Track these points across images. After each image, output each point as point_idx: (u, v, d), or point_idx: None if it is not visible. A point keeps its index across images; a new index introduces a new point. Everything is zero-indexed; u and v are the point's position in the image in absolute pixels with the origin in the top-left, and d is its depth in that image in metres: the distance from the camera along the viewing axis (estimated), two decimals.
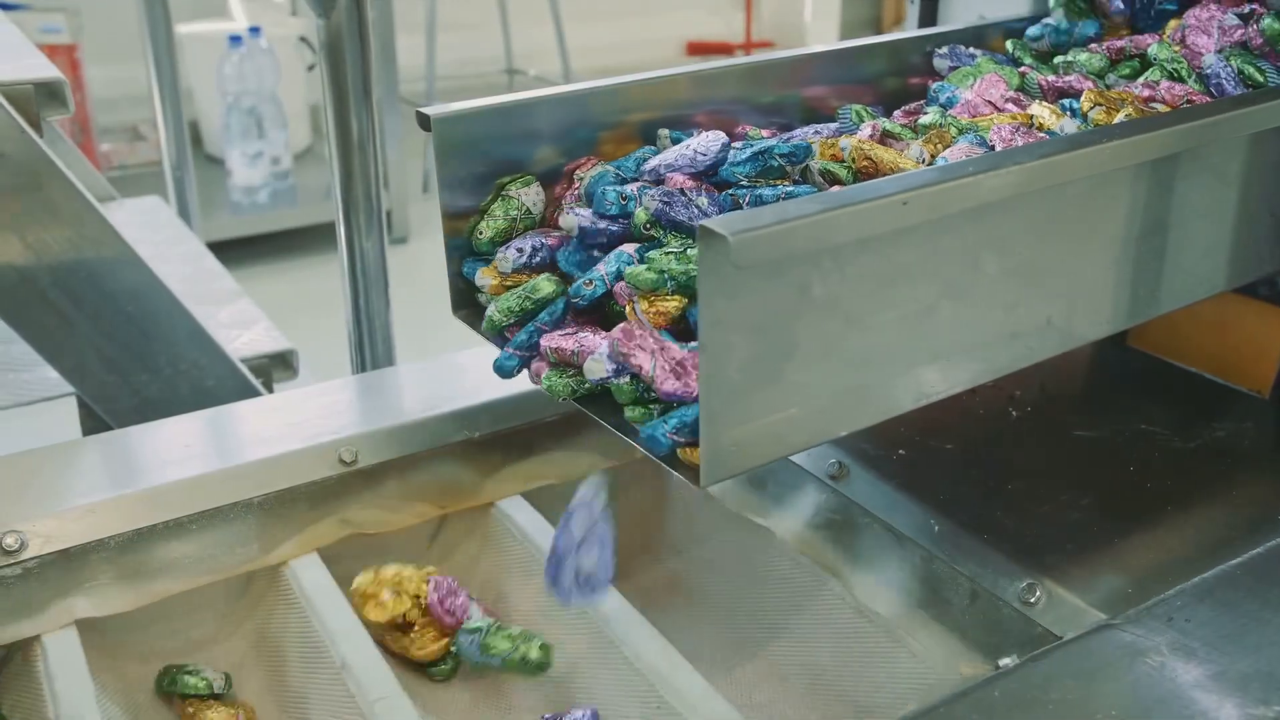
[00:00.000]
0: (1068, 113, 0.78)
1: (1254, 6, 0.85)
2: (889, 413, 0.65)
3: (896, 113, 0.86)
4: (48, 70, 1.02)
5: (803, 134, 0.81)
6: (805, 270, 0.57)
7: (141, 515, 0.78)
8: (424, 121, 0.75)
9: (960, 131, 0.76)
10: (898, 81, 0.92)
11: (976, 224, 0.63)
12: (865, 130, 0.76)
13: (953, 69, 0.91)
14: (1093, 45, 0.90)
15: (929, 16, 1.20)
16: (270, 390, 1.21)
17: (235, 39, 2.80)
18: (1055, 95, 0.84)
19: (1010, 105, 0.82)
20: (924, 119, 0.79)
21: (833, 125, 0.83)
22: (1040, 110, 0.78)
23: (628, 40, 4.45)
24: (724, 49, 4.53)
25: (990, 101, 0.82)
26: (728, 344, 0.56)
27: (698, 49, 4.55)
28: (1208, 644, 0.62)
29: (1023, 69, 0.89)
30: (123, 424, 1.06)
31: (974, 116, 0.80)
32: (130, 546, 0.77)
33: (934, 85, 0.88)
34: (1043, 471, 0.82)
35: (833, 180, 0.70)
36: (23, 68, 1.02)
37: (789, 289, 0.57)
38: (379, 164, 1.09)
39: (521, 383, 0.92)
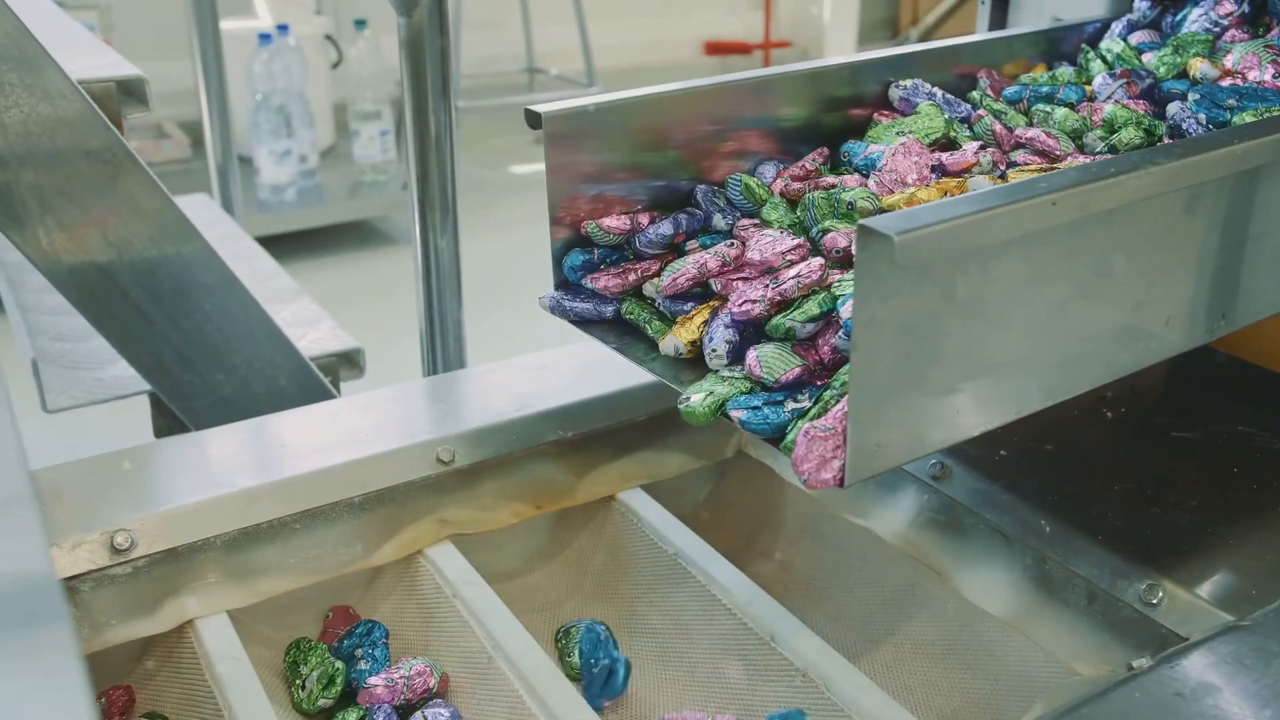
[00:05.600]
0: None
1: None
2: (1020, 412, 0.65)
3: (793, 170, 0.81)
4: (128, 68, 1.02)
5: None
6: (953, 271, 0.57)
7: (247, 514, 0.77)
8: (534, 119, 0.75)
9: (829, 211, 0.73)
10: (839, 116, 0.87)
11: (1108, 225, 0.63)
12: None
13: (904, 101, 0.87)
14: (1081, 106, 0.87)
15: (999, 17, 1.20)
16: (338, 389, 1.21)
17: (265, 36, 2.79)
18: (1012, 146, 0.82)
19: (962, 160, 0.78)
20: (809, 193, 0.75)
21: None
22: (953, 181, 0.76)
23: (645, 40, 4.45)
24: (742, 49, 4.53)
25: (900, 179, 0.77)
26: (878, 345, 0.56)
27: (716, 49, 4.55)
28: None
29: (979, 112, 0.86)
30: (198, 423, 1.06)
31: (885, 192, 0.76)
32: (236, 546, 0.77)
33: (844, 146, 0.84)
34: (1147, 472, 0.81)
35: None
36: (103, 65, 1.02)
37: (937, 289, 0.57)
38: (454, 162, 1.09)
39: (612, 382, 0.93)
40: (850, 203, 0.72)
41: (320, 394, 1.11)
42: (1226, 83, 0.86)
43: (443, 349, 1.14)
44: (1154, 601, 0.69)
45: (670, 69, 4.39)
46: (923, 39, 4.65)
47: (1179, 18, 0.97)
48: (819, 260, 0.68)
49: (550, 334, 1.48)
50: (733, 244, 0.73)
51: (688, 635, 0.82)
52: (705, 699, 0.79)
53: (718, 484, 1.00)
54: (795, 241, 0.71)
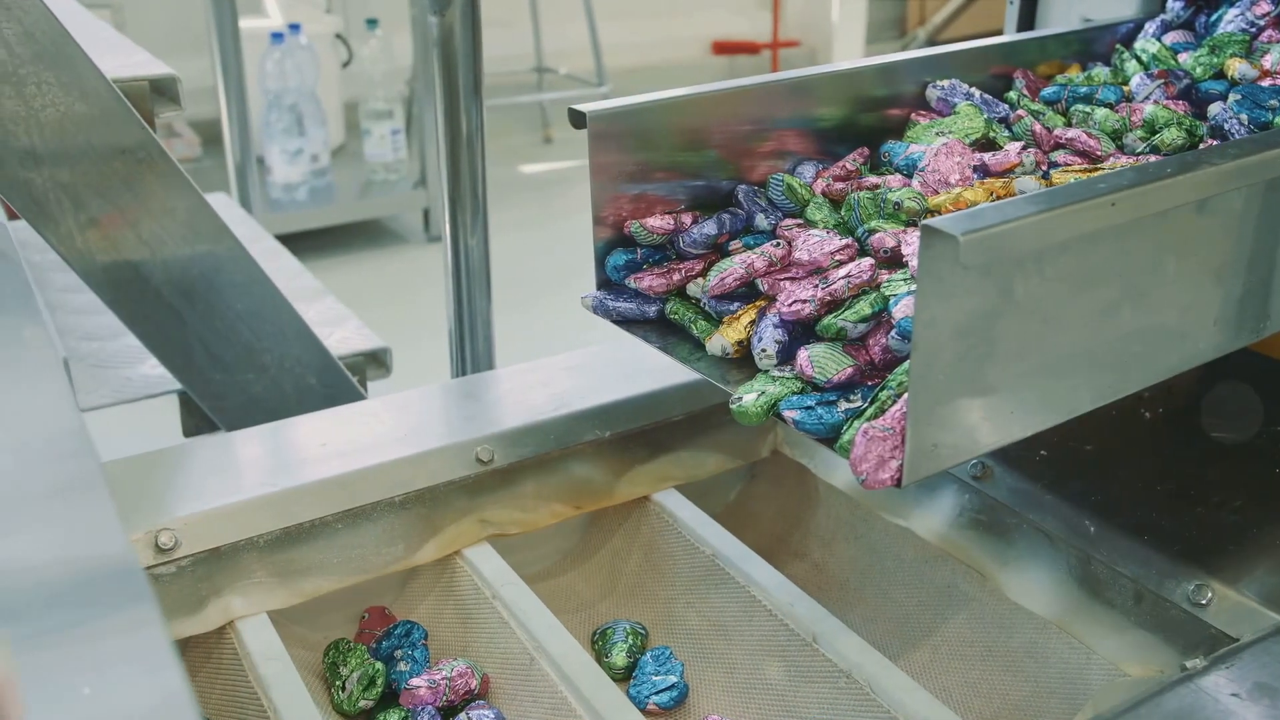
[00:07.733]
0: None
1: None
2: (1072, 413, 0.64)
3: (834, 170, 0.81)
4: (160, 67, 1.02)
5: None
6: (1013, 271, 0.57)
7: (289, 514, 0.77)
8: (577, 119, 0.75)
9: (874, 211, 0.73)
10: (876, 117, 0.87)
11: (1161, 226, 0.63)
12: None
13: (942, 101, 0.87)
14: (1120, 107, 0.86)
15: (1028, 18, 1.20)
16: (365, 389, 1.21)
17: (277, 35, 2.79)
18: (1052, 146, 0.82)
19: (1006, 160, 0.77)
20: (853, 193, 0.75)
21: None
22: (996, 181, 0.76)
23: (651, 39, 4.44)
24: (750, 48, 4.52)
25: (944, 179, 0.76)
26: (938, 345, 0.56)
27: (723, 48, 4.55)
28: None
29: (1018, 112, 0.86)
30: (228, 422, 1.06)
31: (930, 192, 0.76)
32: (279, 545, 0.77)
33: (884, 146, 0.83)
34: (1189, 473, 0.81)
35: None
36: (135, 64, 1.02)
37: (996, 290, 0.57)
38: (484, 161, 1.09)
39: (647, 382, 0.93)
40: (897, 203, 0.72)
41: (349, 393, 1.11)
42: (1266, 83, 0.86)
43: (472, 348, 1.14)
44: (1203, 602, 0.69)
45: (677, 68, 4.39)
46: (930, 39, 4.64)
47: (1214, 18, 0.97)
48: (869, 260, 0.68)
49: (568, 335, 1.47)
50: (779, 244, 0.73)
51: (726, 636, 0.82)
52: (746, 700, 0.79)
53: (749, 484, 1.00)
54: (844, 241, 0.70)
